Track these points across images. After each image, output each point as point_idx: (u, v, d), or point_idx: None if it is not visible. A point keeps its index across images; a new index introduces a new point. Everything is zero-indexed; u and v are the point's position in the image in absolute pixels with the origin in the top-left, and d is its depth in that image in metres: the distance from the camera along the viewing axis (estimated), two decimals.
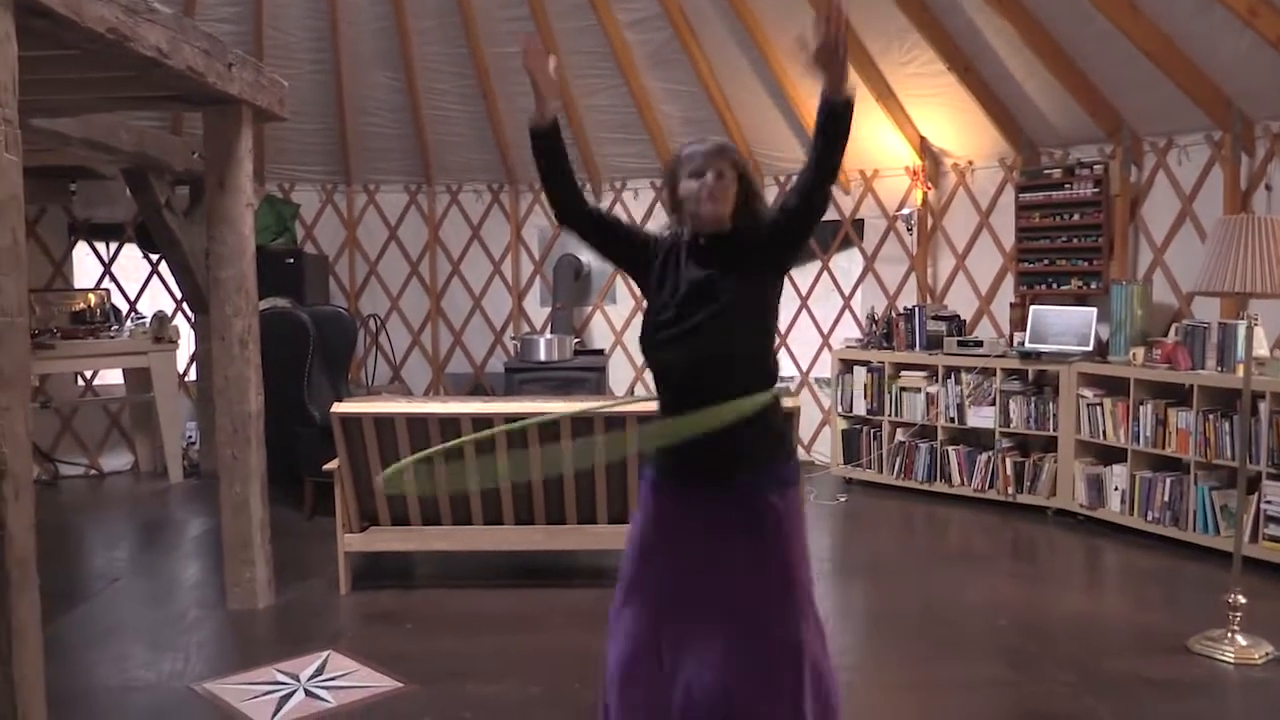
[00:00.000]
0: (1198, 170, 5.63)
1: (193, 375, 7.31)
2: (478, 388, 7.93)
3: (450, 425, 4.37)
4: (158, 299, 7.53)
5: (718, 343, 2.32)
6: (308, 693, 3.47)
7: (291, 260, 6.90)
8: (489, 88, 7.14)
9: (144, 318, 7.21)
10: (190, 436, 7.24)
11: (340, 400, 5.48)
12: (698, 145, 2.44)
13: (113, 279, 7.47)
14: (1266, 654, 3.69)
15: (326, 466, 4.52)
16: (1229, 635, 3.75)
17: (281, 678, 3.59)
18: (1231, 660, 3.67)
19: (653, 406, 2.52)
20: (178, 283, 6.95)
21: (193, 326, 7.14)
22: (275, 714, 3.31)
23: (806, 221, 2.39)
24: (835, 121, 2.28)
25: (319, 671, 3.65)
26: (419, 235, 8.01)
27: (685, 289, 2.36)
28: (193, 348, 7.22)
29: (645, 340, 2.43)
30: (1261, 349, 4.97)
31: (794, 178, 2.46)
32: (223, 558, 4.42)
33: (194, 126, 6.75)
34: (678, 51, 6.69)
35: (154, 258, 7.39)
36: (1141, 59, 5.23)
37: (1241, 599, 3.75)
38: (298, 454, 5.72)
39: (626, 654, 2.41)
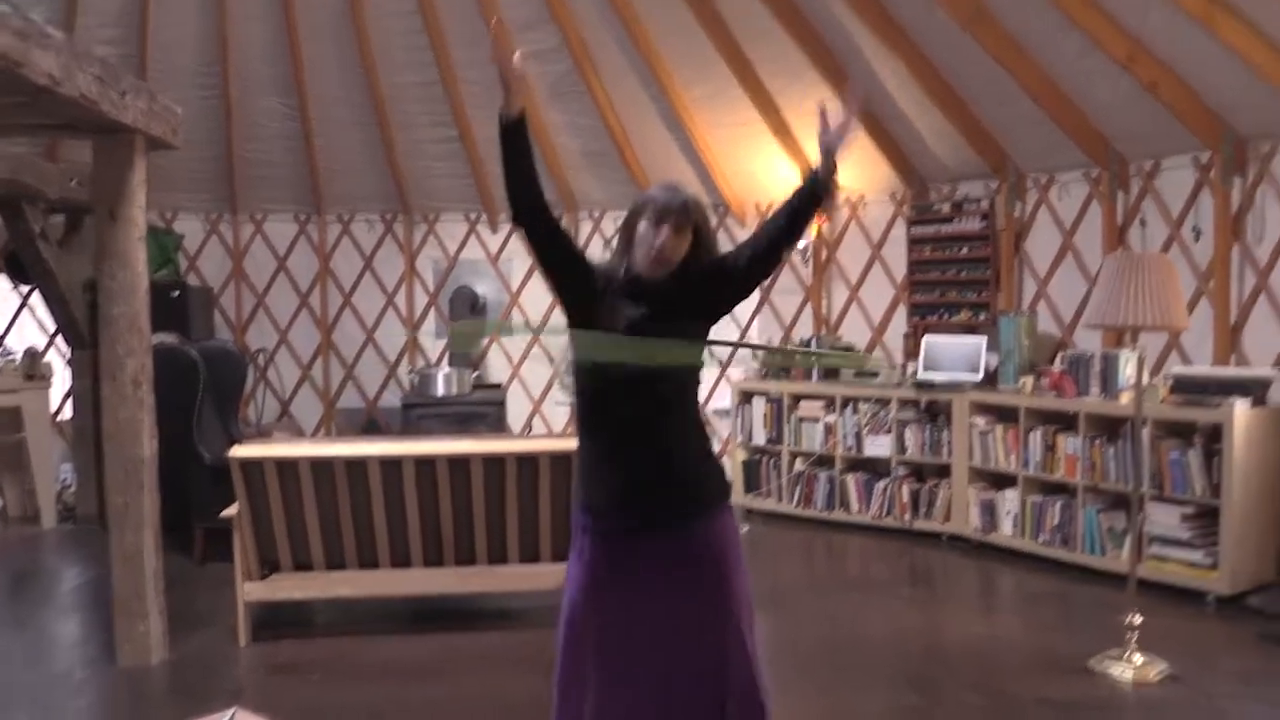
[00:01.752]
0: (1077, 205, 5.92)
1: (68, 413, 6.92)
2: (371, 423, 7.73)
3: (357, 467, 4.25)
4: (28, 333, 7.11)
5: (654, 378, 2.36)
6: None
7: (176, 293, 6.61)
8: (384, 116, 7.01)
9: (13, 353, 6.80)
10: (65, 479, 6.85)
11: (231, 439, 5.29)
12: (670, 196, 2.43)
13: None
14: (1161, 672, 3.86)
15: (224, 513, 4.33)
16: (1126, 655, 3.91)
17: None
18: (1130, 680, 3.83)
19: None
20: (53, 316, 6.58)
21: (68, 363, 6.77)
22: None
23: (759, 279, 2.52)
24: (819, 199, 2.47)
25: None
26: (309, 266, 7.79)
27: (625, 327, 2.38)
28: (67, 385, 6.83)
29: (584, 363, 2.43)
30: (1143, 378, 5.23)
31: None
32: (108, 610, 4.18)
33: (70, 154, 6.46)
34: (577, 84, 6.71)
35: (24, 290, 6.99)
36: (1026, 99, 5.48)
37: (1139, 619, 3.91)
38: (188, 497, 5.46)
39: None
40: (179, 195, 7.41)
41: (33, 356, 6.58)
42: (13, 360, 6.64)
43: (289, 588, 4.42)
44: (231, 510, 4.29)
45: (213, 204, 7.57)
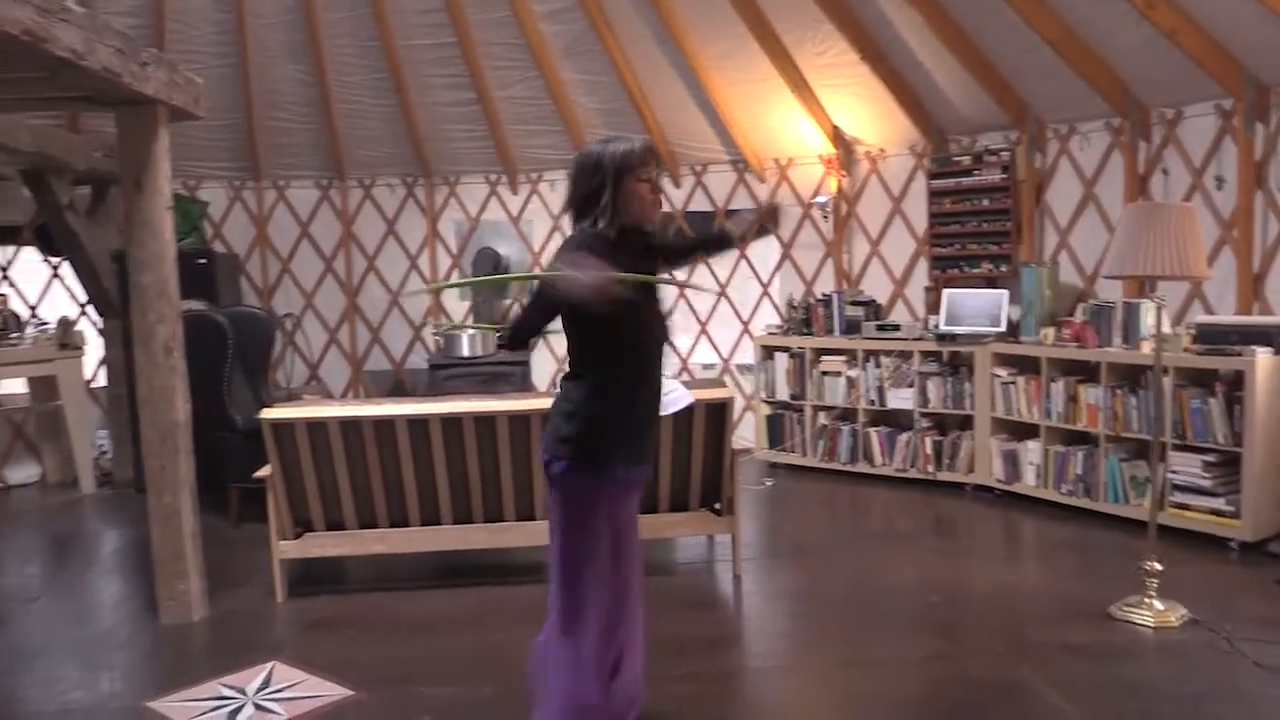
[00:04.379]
0: (1099, 156, 5.88)
1: (101, 381, 7.06)
2: (398, 385, 7.83)
3: (385, 427, 4.34)
4: (60, 303, 7.23)
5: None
6: (257, 706, 3.41)
7: (203, 261, 6.70)
8: (402, 80, 7.03)
9: (47, 323, 6.94)
10: (102, 445, 7.00)
11: (261, 403, 5.39)
12: (638, 147, 2.59)
13: (10, 284, 7.16)
14: (1182, 616, 3.90)
15: (258, 474, 4.43)
16: (1146, 600, 3.96)
17: (227, 692, 3.52)
18: (1151, 624, 3.88)
19: None
20: (83, 286, 6.69)
21: (100, 331, 6.89)
22: None
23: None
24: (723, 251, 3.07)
25: (265, 683, 3.59)
26: (332, 231, 7.86)
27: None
28: (101, 353, 6.96)
29: (628, 322, 2.53)
30: (1164, 326, 5.22)
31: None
32: (148, 571, 4.30)
33: (95, 125, 6.53)
34: (593, 43, 6.70)
35: (54, 261, 7.10)
36: (1045, 49, 5.43)
37: (1157, 565, 3.95)
38: (221, 460, 5.59)
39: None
40: (202, 164, 7.48)
41: (66, 326, 6.71)
42: (46, 330, 6.77)
43: (322, 545, 4.53)
44: (264, 471, 4.39)
45: (235, 172, 7.64)
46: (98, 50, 3.47)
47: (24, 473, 7.02)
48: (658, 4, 6.34)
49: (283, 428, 4.31)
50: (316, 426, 4.33)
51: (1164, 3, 4.80)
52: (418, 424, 4.35)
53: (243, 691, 3.52)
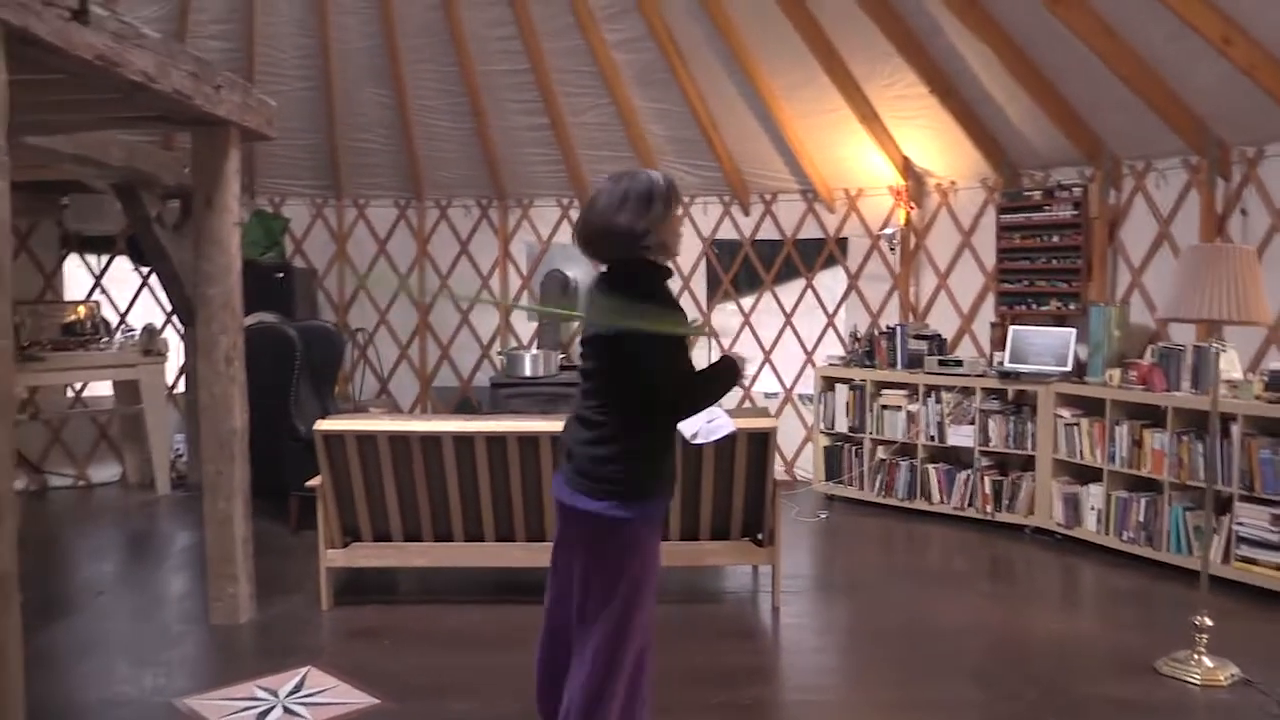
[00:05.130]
0: (1175, 194, 5.71)
1: (182, 387, 7.36)
2: (464, 402, 7.98)
3: (432, 443, 4.43)
4: (148, 311, 7.57)
5: None
6: (286, 709, 3.52)
7: (281, 275, 6.95)
8: (479, 105, 7.21)
9: (134, 330, 7.27)
10: (178, 449, 7.28)
11: (327, 415, 5.56)
12: (672, 180, 2.66)
13: (103, 291, 7.52)
14: (1232, 675, 3.75)
15: (309, 484, 4.57)
16: (1195, 656, 3.81)
17: (261, 694, 3.64)
18: (1198, 682, 3.73)
19: None
20: (167, 295, 6.99)
21: (182, 339, 7.18)
22: None
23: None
24: None
25: (298, 688, 3.69)
26: (408, 249, 8.07)
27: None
28: (182, 360, 7.26)
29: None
30: (1234, 372, 5.05)
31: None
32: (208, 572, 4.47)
33: (186, 142, 6.81)
34: (664, 71, 6.77)
35: (144, 270, 7.44)
36: (1119, 83, 5.31)
37: (1208, 620, 3.81)
38: (284, 469, 5.76)
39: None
40: (286, 181, 7.76)
41: (150, 333, 7.01)
42: (132, 337, 7.09)
43: (367, 556, 4.65)
44: (315, 481, 4.53)
45: (318, 190, 7.90)
46: (170, 74, 3.66)
47: (106, 472, 7.33)
48: (728, 36, 6.38)
49: (334, 439, 4.44)
50: (366, 439, 4.45)
51: (1242, 38, 4.66)
52: (464, 441, 4.43)
53: (275, 694, 3.63)
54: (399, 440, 4.44)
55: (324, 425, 4.47)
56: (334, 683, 3.74)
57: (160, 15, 6.23)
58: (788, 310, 7.50)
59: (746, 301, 7.66)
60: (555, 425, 4.44)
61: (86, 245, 7.41)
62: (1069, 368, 5.86)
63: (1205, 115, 5.33)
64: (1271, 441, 4.69)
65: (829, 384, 6.83)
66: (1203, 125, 5.37)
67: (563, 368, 7.30)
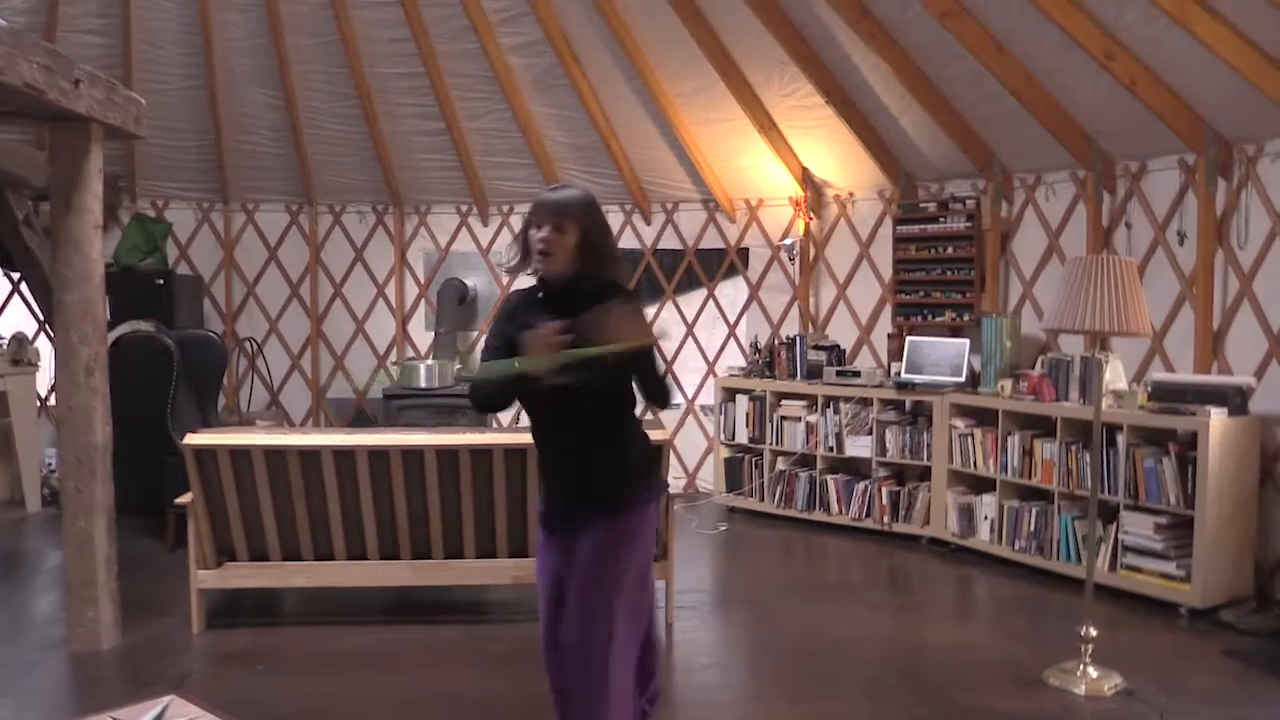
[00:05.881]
0: (1064, 206, 5.81)
1: (55, 400, 6.97)
2: (360, 414, 7.74)
3: (311, 458, 4.24)
4: (19, 319, 7.17)
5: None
6: None
7: (161, 281, 6.64)
8: (371, 109, 6.99)
9: (2, 339, 6.87)
10: (50, 464, 6.90)
11: (209, 427, 5.31)
12: (547, 195, 2.60)
13: None
14: (1115, 686, 3.77)
15: (179, 500, 4.34)
16: (1081, 667, 3.83)
17: None
18: (1083, 693, 3.74)
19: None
20: (38, 303, 6.64)
21: (55, 349, 6.81)
22: None
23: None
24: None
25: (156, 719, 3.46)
26: (300, 256, 7.79)
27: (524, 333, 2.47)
28: (54, 371, 6.87)
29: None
30: (1120, 383, 5.13)
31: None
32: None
33: None
34: (561, 77, 6.65)
35: (15, 276, 7.04)
36: (1009, 97, 5.37)
37: (1093, 631, 3.83)
38: (161, 484, 5.47)
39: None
40: (170, 184, 7.44)
41: (20, 342, 6.64)
42: (0, 346, 6.70)
43: (243, 576, 4.42)
44: (185, 498, 4.29)
45: (204, 193, 7.59)
46: (20, 65, 3.42)
47: None
48: (624, 41, 6.30)
49: (205, 454, 4.22)
50: (240, 454, 4.23)
51: (1124, 53, 4.75)
52: (344, 455, 4.25)
53: None
54: (275, 455, 4.23)
55: (194, 440, 4.23)
56: (197, 713, 3.46)
57: (27, 7, 5.91)
58: (689, 320, 7.44)
59: (649, 312, 7.57)
60: (444, 439, 4.32)
61: None
62: (963, 378, 5.91)
63: (1090, 129, 5.43)
64: (1155, 451, 4.77)
65: (729, 395, 6.78)
66: (1088, 139, 5.47)
67: (459, 379, 7.13)
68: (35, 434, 6.64)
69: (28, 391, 6.62)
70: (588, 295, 2.46)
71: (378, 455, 4.25)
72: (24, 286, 6.97)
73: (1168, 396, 4.82)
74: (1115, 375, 5.12)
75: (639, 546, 2.61)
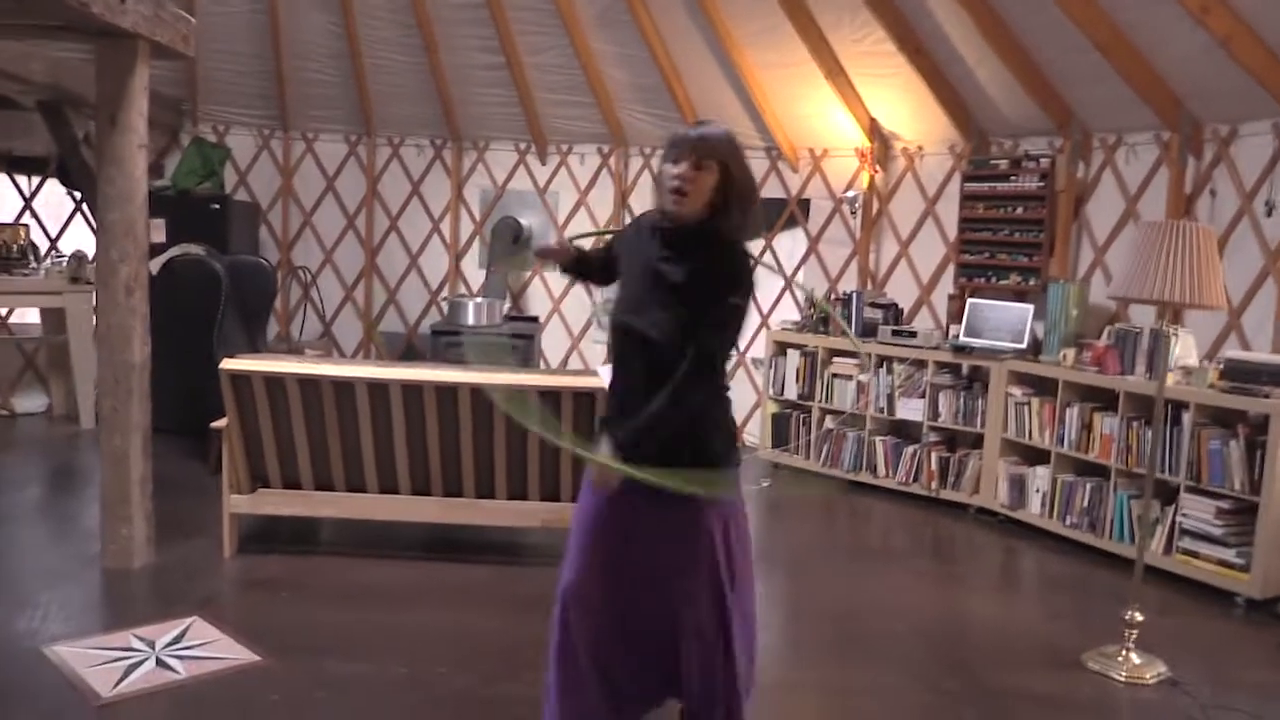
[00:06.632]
0: (1144, 170, 5.50)
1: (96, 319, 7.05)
2: (410, 348, 7.72)
3: (345, 389, 4.20)
4: (81, 238, 7.25)
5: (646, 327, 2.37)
6: (159, 662, 3.30)
7: (217, 206, 6.65)
8: (431, 39, 6.87)
9: (64, 256, 6.95)
10: None
11: (256, 353, 5.31)
12: (688, 130, 2.40)
13: (33, 214, 7.19)
14: (1158, 674, 3.60)
15: (214, 424, 4.33)
16: (1124, 652, 3.66)
17: (137, 644, 3.42)
18: (1123, 679, 3.58)
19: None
20: (97, 221, 6.67)
21: None
22: (117, 684, 3.13)
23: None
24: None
25: (177, 639, 3.48)
26: (357, 188, 7.75)
27: (641, 269, 2.43)
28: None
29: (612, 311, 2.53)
30: (1190, 358, 4.87)
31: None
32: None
33: None
34: (624, 13, 6.44)
35: (77, 195, 7.11)
36: (1093, 52, 5.07)
37: (1139, 616, 3.66)
38: (205, 407, 5.49)
39: None
40: (231, 109, 7.43)
41: (79, 260, 6.70)
42: (61, 263, 6.78)
43: (274, 503, 4.42)
44: (221, 422, 4.29)
45: (264, 120, 7.57)
46: None
47: (32, 402, 7.06)
48: None
49: (240, 379, 4.20)
50: (275, 381, 4.20)
51: (1220, 6, 4.43)
52: (378, 388, 4.20)
53: (152, 645, 3.41)
54: (309, 384, 4.20)
55: (230, 364, 4.22)
56: (217, 635, 3.53)
57: None
58: None
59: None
60: (479, 376, 4.25)
61: (16, 165, 7.06)
62: (1024, 345, 5.68)
63: (1179, 90, 5.11)
64: (1222, 432, 4.52)
65: (780, 349, 6.62)
66: (1176, 100, 5.15)
67: (509, 318, 7.07)
68: (91, 352, 6.70)
69: (85, 309, 6.69)
70: (708, 247, 2.34)
71: (412, 389, 4.19)
72: (85, 205, 7.04)
73: (1240, 376, 4.54)
74: (1185, 350, 4.86)
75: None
